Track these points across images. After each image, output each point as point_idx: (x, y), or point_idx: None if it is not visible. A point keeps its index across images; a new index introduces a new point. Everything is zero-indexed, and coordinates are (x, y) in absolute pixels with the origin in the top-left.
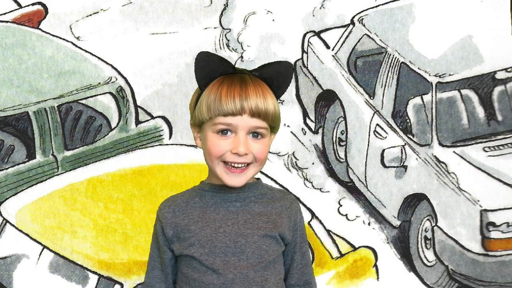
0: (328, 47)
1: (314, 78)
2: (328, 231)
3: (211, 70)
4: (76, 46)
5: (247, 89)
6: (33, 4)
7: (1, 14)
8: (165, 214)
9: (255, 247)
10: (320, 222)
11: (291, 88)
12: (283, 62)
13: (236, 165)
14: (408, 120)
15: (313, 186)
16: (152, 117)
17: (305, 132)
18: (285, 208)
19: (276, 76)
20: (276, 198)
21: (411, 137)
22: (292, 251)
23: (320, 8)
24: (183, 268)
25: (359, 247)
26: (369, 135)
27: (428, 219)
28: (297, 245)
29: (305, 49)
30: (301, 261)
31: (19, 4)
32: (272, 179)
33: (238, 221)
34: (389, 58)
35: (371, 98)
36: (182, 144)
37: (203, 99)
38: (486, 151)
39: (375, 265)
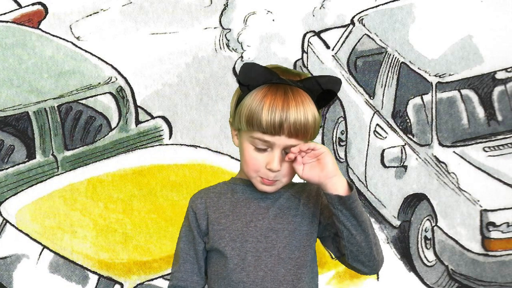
0: (328, 47)
1: None
2: None
3: (255, 77)
4: (76, 46)
5: (288, 110)
6: (33, 4)
7: (1, 14)
8: (198, 205)
9: (286, 242)
10: None
11: None
12: (332, 78)
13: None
14: (408, 120)
15: None
16: (152, 117)
17: None
18: (312, 197)
19: (321, 91)
20: (302, 189)
21: (411, 137)
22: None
23: (320, 8)
24: (213, 266)
25: None
26: (369, 135)
27: (428, 219)
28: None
29: (305, 49)
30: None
31: (19, 4)
32: None
33: (268, 215)
34: (389, 58)
35: (371, 98)
36: (182, 144)
37: (245, 104)
38: (486, 151)
39: None
